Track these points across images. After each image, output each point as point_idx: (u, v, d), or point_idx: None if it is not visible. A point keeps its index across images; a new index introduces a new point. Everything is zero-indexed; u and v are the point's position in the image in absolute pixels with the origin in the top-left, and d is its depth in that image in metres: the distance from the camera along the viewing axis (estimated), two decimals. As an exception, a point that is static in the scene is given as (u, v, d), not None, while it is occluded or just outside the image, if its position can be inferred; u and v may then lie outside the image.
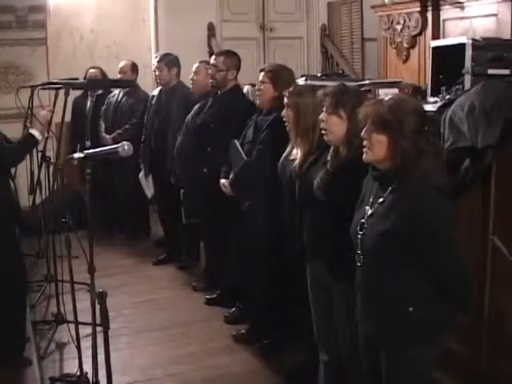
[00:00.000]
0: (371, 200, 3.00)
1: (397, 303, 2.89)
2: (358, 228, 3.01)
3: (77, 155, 3.30)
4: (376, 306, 2.99)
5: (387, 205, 2.90)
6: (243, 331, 5.06)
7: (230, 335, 5.13)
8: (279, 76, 4.76)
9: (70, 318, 4.52)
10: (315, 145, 3.79)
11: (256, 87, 4.98)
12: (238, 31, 9.72)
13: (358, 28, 9.60)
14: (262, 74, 4.84)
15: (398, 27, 7.27)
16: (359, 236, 3.01)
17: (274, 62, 8.39)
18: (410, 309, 2.84)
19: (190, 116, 5.89)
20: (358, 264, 3.04)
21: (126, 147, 3.33)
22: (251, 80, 6.10)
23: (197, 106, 5.86)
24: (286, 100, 4.06)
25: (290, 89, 4.12)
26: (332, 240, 3.43)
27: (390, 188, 2.91)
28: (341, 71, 8.97)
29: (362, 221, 3.00)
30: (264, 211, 4.66)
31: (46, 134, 4.83)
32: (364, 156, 2.95)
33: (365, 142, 2.93)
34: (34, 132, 4.64)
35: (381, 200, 2.94)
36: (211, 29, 9.41)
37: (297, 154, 3.94)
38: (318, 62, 10.23)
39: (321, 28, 10.24)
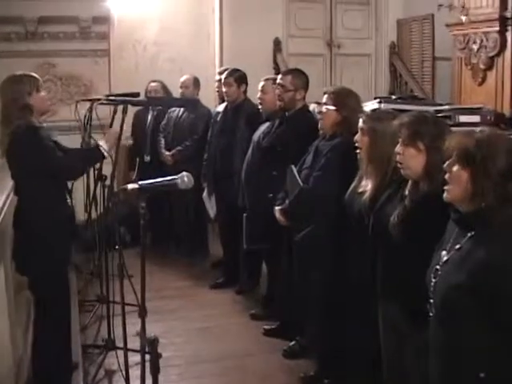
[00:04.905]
0: (449, 245, 2.70)
1: (466, 367, 2.57)
2: (432, 275, 2.71)
3: (131, 186, 3.05)
4: (443, 367, 2.68)
5: (464, 253, 2.59)
6: (312, 373, 4.71)
7: (289, 371, 4.84)
8: (343, 99, 4.49)
9: (121, 342, 4.29)
10: (388, 178, 3.50)
11: (318, 110, 4.71)
12: (304, 47, 9.54)
13: (428, 46, 9.32)
14: (326, 96, 4.59)
15: (475, 47, 6.96)
16: (432, 283, 2.71)
17: (339, 84, 8.22)
18: (481, 375, 2.51)
19: (257, 135, 5.63)
20: (430, 314, 2.75)
21: (185, 179, 3.07)
22: (317, 98, 5.83)
23: (265, 126, 5.60)
24: (361, 124, 3.79)
25: (368, 112, 3.83)
26: (408, 283, 3.10)
27: (468, 234, 2.60)
28: (410, 91, 8.72)
29: (437, 267, 2.71)
30: (322, 243, 4.39)
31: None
32: (444, 195, 2.65)
33: (446, 176, 2.64)
34: (103, 144, 4.38)
35: (458, 246, 2.64)
36: (277, 44, 9.19)
37: (367, 185, 3.66)
38: (386, 81, 9.96)
39: (390, 45, 9.99)
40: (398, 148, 3.21)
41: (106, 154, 4.38)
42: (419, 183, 3.16)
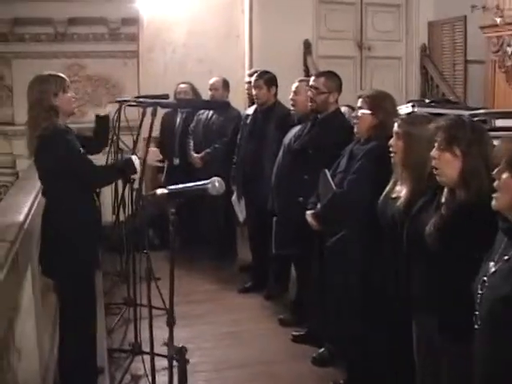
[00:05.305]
0: (497, 256, 2.60)
1: None
2: (479, 286, 2.61)
3: (160, 191, 2.97)
4: (489, 379, 2.58)
5: None
6: (341, 382, 4.61)
7: (318, 379, 4.75)
8: (379, 103, 4.39)
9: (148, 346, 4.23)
10: (423, 184, 3.39)
11: (353, 114, 4.62)
12: (334, 49, 9.46)
13: (460, 49, 9.19)
14: (361, 100, 4.47)
15: (509, 49, 6.82)
16: (479, 295, 2.61)
17: (374, 88, 8.12)
18: None
19: (288, 138, 5.54)
20: (476, 326, 2.64)
21: (216, 184, 2.98)
22: (347, 101, 5.78)
23: (297, 129, 5.50)
24: (396, 128, 3.69)
25: (403, 116, 3.73)
26: (447, 295, 3.00)
27: None
28: (441, 95, 8.60)
29: (484, 278, 2.60)
30: (355, 249, 4.32)
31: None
32: (492, 202, 2.55)
33: (495, 183, 2.54)
34: (135, 161, 4.29)
35: (506, 257, 2.53)
36: (307, 46, 9.12)
37: (401, 191, 3.56)
38: (416, 84, 9.83)
39: (421, 48, 9.86)
40: (434, 152, 3.11)
41: (137, 168, 4.30)
42: (456, 191, 3.06)
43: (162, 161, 5.08)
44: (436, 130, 3.14)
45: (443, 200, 3.11)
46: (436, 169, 3.11)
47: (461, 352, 2.82)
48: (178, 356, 2.79)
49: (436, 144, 3.11)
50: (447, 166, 3.05)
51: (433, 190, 3.26)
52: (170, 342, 2.86)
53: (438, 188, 3.18)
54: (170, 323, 2.91)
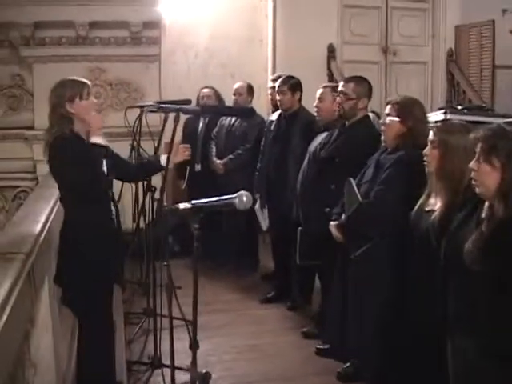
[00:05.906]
0: None
1: None
2: None
3: (182, 206, 2.83)
4: None
5: None
6: None
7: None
8: (409, 109, 4.25)
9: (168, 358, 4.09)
10: (461, 197, 3.25)
11: (381, 121, 4.47)
12: (358, 54, 9.33)
13: (488, 54, 9.03)
14: (389, 106, 4.34)
15: (541, 54, 6.64)
16: None
17: (399, 93, 7.95)
18: None
19: (313, 146, 5.40)
20: None
21: (244, 198, 2.81)
22: (371, 106, 5.61)
23: (322, 136, 5.35)
24: (431, 136, 3.54)
25: (439, 124, 3.57)
26: (489, 317, 2.82)
27: None
28: (468, 101, 8.45)
29: None
30: (383, 260, 4.17)
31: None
32: None
33: None
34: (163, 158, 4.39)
35: None
36: (331, 50, 8.98)
37: (435, 204, 3.41)
38: (442, 90, 9.65)
39: (447, 53, 9.70)
40: (473, 164, 2.95)
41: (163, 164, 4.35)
42: (495, 205, 2.89)
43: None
44: (475, 140, 2.98)
45: (484, 215, 2.94)
46: (475, 181, 2.96)
47: (502, 371, 2.68)
48: (201, 381, 2.65)
49: (476, 155, 2.95)
50: (486, 177, 2.90)
51: (473, 204, 3.10)
52: (192, 368, 2.71)
53: (479, 202, 3.01)
54: (194, 348, 2.76)
